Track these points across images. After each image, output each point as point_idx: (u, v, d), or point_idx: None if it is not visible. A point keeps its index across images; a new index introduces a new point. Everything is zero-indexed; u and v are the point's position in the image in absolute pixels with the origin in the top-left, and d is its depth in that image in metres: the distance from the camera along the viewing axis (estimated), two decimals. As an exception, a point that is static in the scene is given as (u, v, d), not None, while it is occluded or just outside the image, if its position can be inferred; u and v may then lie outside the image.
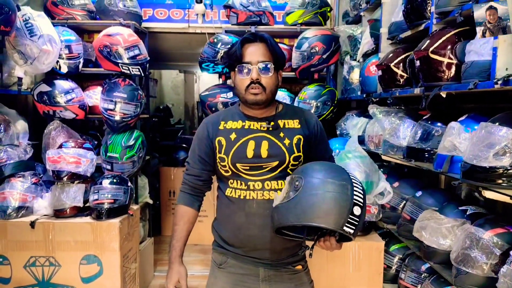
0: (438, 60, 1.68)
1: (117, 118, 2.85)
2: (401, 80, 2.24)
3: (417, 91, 1.96)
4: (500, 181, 1.36)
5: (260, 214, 1.44)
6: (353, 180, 1.25)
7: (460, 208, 1.84)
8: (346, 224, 1.19)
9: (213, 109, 3.04)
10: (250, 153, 1.45)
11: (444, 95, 1.70)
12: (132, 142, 2.94)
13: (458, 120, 1.73)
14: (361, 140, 2.67)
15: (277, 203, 1.30)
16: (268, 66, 1.43)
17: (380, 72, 2.32)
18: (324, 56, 2.97)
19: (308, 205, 1.20)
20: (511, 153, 1.33)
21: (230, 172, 1.48)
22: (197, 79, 7.72)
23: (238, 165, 1.46)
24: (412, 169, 2.57)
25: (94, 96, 3.09)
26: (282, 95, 3.27)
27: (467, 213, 1.80)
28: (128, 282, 2.74)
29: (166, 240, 4.59)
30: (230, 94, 3.04)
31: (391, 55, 2.29)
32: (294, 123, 1.51)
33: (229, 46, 3.01)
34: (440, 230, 1.80)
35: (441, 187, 2.44)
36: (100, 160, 2.92)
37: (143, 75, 3.00)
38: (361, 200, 1.23)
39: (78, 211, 2.64)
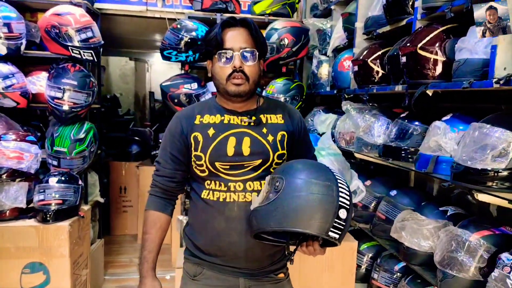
0: (426, 57, 1.62)
1: (66, 108, 2.54)
2: (377, 76, 2.18)
3: (398, 88, 1.90)
4: (492, 184, 1.33)
5: (241, 218, 1.30)
6: (338, 181, 1.15)
7: (440, 208, 1.81)
8: (331, 228, 1.09)
9: (176, 100, 2.82)
10: (230, 150, 1.30)
11: (430, 94, 1.65)
12: (82, 135, 2.64)
13: (442, 119, 1.70)
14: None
15: (255, 206, 1.17)
16: (252, 53, 1.28)
17: (356, 68, 2.25)
18: (294, 49, 2.85)
19: (290, 208, 1.08)
20: (507, 155, 1.29)
21: (207, 172, 1.32)
22: (149, 68, 7.33)
23: (217, 164, 1.30)
24: (379, 167, 2.55)
25: (38, 82, 2.74)
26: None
27: (448, 214, 1.78)
28: (79, 290, 2.47)
29: (116, 240, 4.28)
30: (195, 85, 2.83)
31: (367, 50, 2.23)
32: (277, 118, 1.38)
33: (193, 33, 2.80)
34: (421, 232, 1.76)
35: (411, 185, 2.44)
36: (44, 155, 2.59)
37: (96, 60, 2.70)
38: (347, 202, 1.13)
39: (20, 213, 2.32)
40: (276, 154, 1.33)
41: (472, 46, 1.43)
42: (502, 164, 1.30)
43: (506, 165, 1.29)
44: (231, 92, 1.28)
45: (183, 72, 3.07)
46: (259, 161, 1.31)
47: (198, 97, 2.85)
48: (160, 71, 7.04)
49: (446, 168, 1.64)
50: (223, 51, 1.27)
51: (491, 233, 1.51)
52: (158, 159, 1.40)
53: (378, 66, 2.16)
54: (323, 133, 2.68)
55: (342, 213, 1.10)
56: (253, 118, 1.33)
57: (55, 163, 2.57)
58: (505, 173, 1.31)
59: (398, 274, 2.08)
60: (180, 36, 2.79)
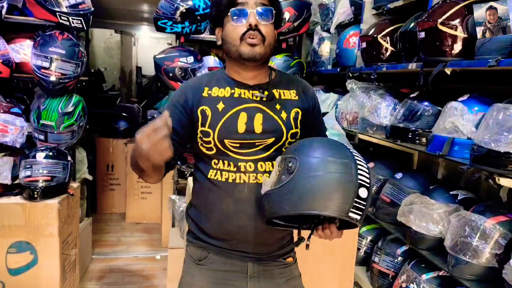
0: (447, 33, 1.53)
1: (53, 78, 2.38)
2: (386, 54, 2.09)
3: (412, 66, 1.82)
4: (517, 168, 1.27)
5: (251, 201, 1.21)
6: (356, 158, 1.06)
7: (451, 192, 1.76)
8: (352, 209, 1.00)
9: (170, 74, 2.68)
10: (241, 127, 1.19)
11: (449, 72, 1.57)
12: (71, 108, 2.49)
13: (459, 100, 1.62)
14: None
15: (266, 189, 1.08)
16: (270, 11, 1.17)
17: (363, 45, 2.15)
18: (295, 24, 2.73)
19: (306, 190, 0.99)
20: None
21: (214, 150, 1.22)
22: (136, 42, 7.05)
23: (226, 141, 1.20)
24: (378, 149, 2.49)
25: (22, 51, 2.54)
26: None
27: (458, 198, 1.73)
28: (68, 271, 2.36)
29: (103, 218, 4.16)
30: (191, 59, 2.69)
31: (377, 26, 2.12)
32: (290, 94, 1.28)
33: (190, 2, 2.64)
34: (430, 216, 1.71)
35: (414, 168, 2.39)
36: (30, 129, 2.43)
37: (85, 28, 2.52)
38: (367, 180, 1.04)
39: (5, 190, 2.17)
40: (290, 133, 1.23)
41: (499, 22, 1.34)
42: (529, 147, 1.23)
43: (534, 148, 1.23)
44: (244, 54, 1.16)
45: (176, 45, 2.91)
46: (272, 139, 1.21)
47: (194, 72, 2.71)
48: (148, 45, 6.79)
49: (461, 151, 1.58)
50: (237, 8, 1.16)
51: (507, 219, 1.46)
52: None
53: (387, 43, 2.07)
54: (325, 113, 2.59)
55: (363, 192, 1.01)
56: (266, 93, 1.22)
57: (42, 137, 2.41)
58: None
59: (400, 258, 2.05)
60: (175, 5, 2.62)
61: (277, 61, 2.78)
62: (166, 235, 3.32)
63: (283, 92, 1.27)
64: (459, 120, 1.56)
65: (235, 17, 1.16)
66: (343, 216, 0.99)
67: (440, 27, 1.54)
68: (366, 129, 2.21)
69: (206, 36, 2.95)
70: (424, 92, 1.94)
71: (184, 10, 2.63)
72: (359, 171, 1.03)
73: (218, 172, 1.22)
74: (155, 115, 4.04)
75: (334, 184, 0.99)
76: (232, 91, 1.23)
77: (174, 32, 2.71)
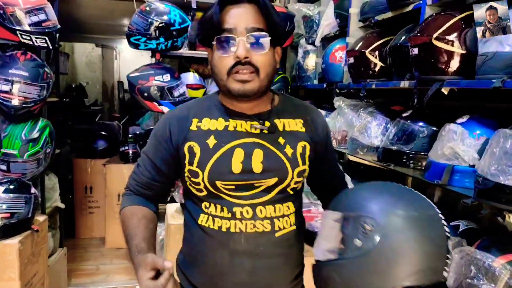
0: (443, 49, 1.37)
1: (15, 103, 2.17)
2: (375, 69, 1.93)
3: (404, 84, 1.66)
4: (531, 205, 1.10)
5: (250, 253, 1.03)
6: (428, 200, 0.92)
7: (451, 223, 1.59)
8: (445, 267, 0.86)
9: (145, 94, 2.49)
10: (237, 166, 1.01)
11: (446, 92, 1.41)
12: (36, 134, 2.28)
13: (458, 122, 1.46)
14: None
15: (328, 256, 0.87)
16: (262, 37, 0.97)
17: (351, 60, 1.99)
18: (278, 37, 2.56)
19: (398, 257, 0.81)
20: (550, 170, 1.07)
21: (205, 192, 1.04)
22: (117, 55, 6.86)
23: (218, 183, 1.02)
24: (369, 167, 2.33)
25: (-19, 72, 2.34)
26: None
27: (460, 229, 1.57)
28: (34, 315, 2.14)
29: (81, 244, 3.92)
30: (167, 77, 2.51)
31: (364, 40, 1.97)
32: (297, 124, 1.09)
33: (165, 17, 2.46)
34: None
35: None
36: (-9, 158, 2.22)
37: (51, 47, 2.32)
38: (448, 230, 0.91)
39: (-42, 230, 1.96)
40: (296, 171, 1.05)
41: (502, 37, 1.19)
42: (545, 181, 1.07)
43: (549, 183, 1.07)
44: (234, 91, 0.98)
45: (153, 61, 2.73)
46: (274, 180, 1.02)
47: (172, 91, 2.53)
48: (130, 59, 6.60)
49: (462, 179, 1.42)
50: (223, 34, 0.97)
51: (517, 257, 1.29)
52: (139, 161, 1.13)
53: (376, 58, 1.91)
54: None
55: (450, 244, 0.89)
56: (267, 124, 1.04)
57: (3, 167, 2.20)
58: (543, 191, 1.09)
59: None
60: (149, 20, 2.44)
61: (260, 77, 2.61)
62: (148, 263, 3.12)
63: (288, 123, 1.08)
64: (459, 145, 1.40)
65: (221, 47, 0.97)
66: (441, 278, 0.84)
67: (435, 42, 1.38)
68: (356, 150, 2.04)
69: (184, 52, 2.78)
70: (417, 111, 1.78)
71: (159, 25, 2.45)
72: (443, 221, 0.88)
73: (210, 218, 1.04)
74: (137, 132, 3.85)
75: (431, 247, 0.83)
76: (227, 123, 1.04)
77: (149, 49, 2.53)
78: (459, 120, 1.47)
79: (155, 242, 1.05)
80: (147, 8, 2.48)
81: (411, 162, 1.72)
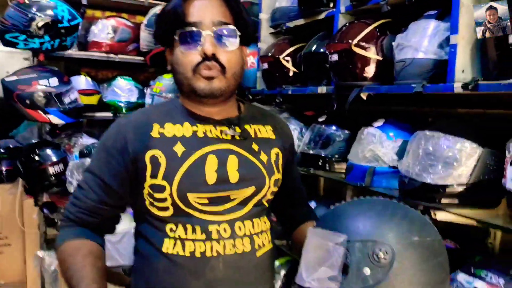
0: (362, 56, 1.42)
1: None
2: (290, 75, 1.94)
3: (322, 90, 1.68)
4: (453, 201, 1.19)
5: (229, 281, 0.88)
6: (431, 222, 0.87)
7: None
8: None
9: (28, 101, 2.11)
10: (211, 176, 0.87)
11: (365, 97, 1.46)
12: None
13: (374, 125, 1.53)
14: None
15: (330, 286, 0.76)
16: (231, 31, 0.88)
17: (265, 66, 1.97)
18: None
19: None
20: (467, 167, 1.17)
21: (170, 211, 0.87)
22: (-22, 57, 5.82)
23: (191, 196, 0.86)
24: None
25: None
26: (126, 86, 2.58)
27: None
28: None
29: None
30: (54, 81, 2.16)
31: (276, 46, 1.97)
32: (267, 131, 1.00)
33: (50, 12, 2.12)
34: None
35: (320, 193, 2.29)
36: None
37: None
38: None
39: None
40: (273, 180, 0.95)
41: (417, 45, 1.27)
42: (464, 178, 1.16)
43: (468, 179, 1.16)
44: (199, 90, 0.87)
45: (35, 63, 2.33)
46: (251, 190, 0.91)
47: (61, 97, 2.19)
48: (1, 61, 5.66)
49: (381, 180, 1.49)
50: (187, 28, 0.86)
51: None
52: (81, 182, 0.92)
53: (290, 64, 1.92)
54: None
55: None
56: (237, 129, 0.93)
57: None
58: (460, 188, 1.18)
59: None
60: (29, 15, 2.08)
61: (165, 82, 2.44)
62: (34, 301, 2.65)
63: (259, 129, 0.98)
64: (379, 148, 1.46)
65: (185, 43, 0.86)
66: None
67: (355, 49, 1.42)
68: (273, 157, 2.02)
69: (74, 52, 2.44)
70: (332, 116, 1.83)
71: (43, 22, 2.10)
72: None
73: (178, 242, 0.87)
74: (10, 145, 3.27)
75: (440, 275, 0.79)
76: (194, 128, 0.90)
77: (30, 49, 2.15)
78: (376, 124, 1.54)
79: (106, 285, 0.85)
80: (26, 1, 2.11)
81: (331, 165, 1.75)
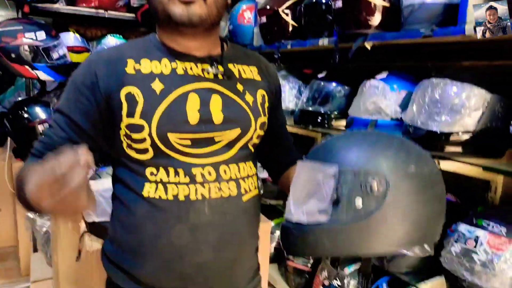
0: (368, 2, 1.35)
1: None
2: (289, 30, 1.87)
3: (323, 42, 1.62)
4: (458, 149, 1.16)
5: (215, 225, 0.84)
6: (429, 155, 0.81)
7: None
8: None
9: (13, 55, 2.01)
10: (193, 115, 0.81)
11: (369, 47, 1.41)
12: None
13: (378, 78, 1.48)
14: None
15: (319, 219, 0.71)
16: None
17: (263, 19, 1.89)
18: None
19: (405, 222, 0.70)
20: (474, 114, 1.13)
21: (151, 153, 0.82)
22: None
23: (172, 136, 0.81)
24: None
25: None
26: (115, 42, 2.48)
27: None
28: None
29: None
30: (41, 34, 2.06)
31: (275, -2, 1.89)
32: (252, 72, 0.94)
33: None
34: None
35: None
36: None
37: None
38: None
39: None
40: (259, 122, 0.89)
41: (427, -12, 1.21)
42: (471, 125, 1.13)
43: (475, 126, 1.13)
44: (176, 16, 0.78)
45: (20, 16, 2.22)
46: (237, 132, 0.86)
47: (49, 52, 2.09)
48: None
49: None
50: None
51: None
52: (51, 122, 0.85)
53: (289, 17, 1.84)
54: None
55: None
56: (220, 68, 0.86)
57: None
58: (466, 136, 1.15)
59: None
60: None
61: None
62: (26, 262, 2.63)
63: (243, 69, 0.91)
64: (382, 100, 1.42)
65: None
66: (436, 241, 0.75)
67: (361, -6, 1.36)
68: (270, 115, 1.97)
69: (61, 7, 2.32)
70: (332, 72, 1.78)
71: (27, -31, 1.98)
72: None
73: (160, 186, 0.82)
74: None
75: (437, 207, 0.73)
76: (173, 65, 0.83)
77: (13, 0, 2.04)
78: (379, 76, 1.49)
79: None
80: None
81: (330, 122, 1.72)
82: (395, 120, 1.42)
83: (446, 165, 1.18)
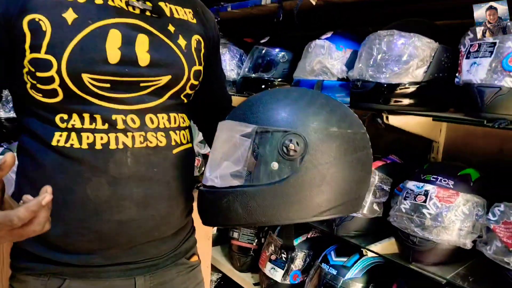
0: (312, -47, 1.28)
1: None
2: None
3: (266, 1, 1.53)
4: (410, 101, 1.13)
5: (140, 178, 0.73)
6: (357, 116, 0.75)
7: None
8: None
9: None
10: (114, 53, 0.69)
11: (314, 2, 1.34)
12: None
13: (323, 37, 1.43)
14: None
15: (233, 183, 0.64)
16: None
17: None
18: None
19: (324, 186, 0.64)
20: (422, 64, 1.10)
21: (60, 95, 0.68)
22: None
23: (86, 77, 0.67)
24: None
25: None
26: None
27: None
28: None
29: None
30: None
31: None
32: (186, 14, 0.82)
33: None
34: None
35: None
36: None
37: None
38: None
39: None
40: (193, 71, 0.79)
41: None
42: (419, 75, 1.10)
43: (423, 77, 1.10)
44: None
45: None
46: (167, 78, 0.75)
47: None
48: None
49: (328, 94, 1.38)
50: None
51: (383, 163, 1.35)
52: None
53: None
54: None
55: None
56: (148, 3, 0.74)
57: None
58: (414, 87, 1.12)
59: (264, 227, 1.82)
60: None
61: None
62: None
63: (176, 9, 0.80)
64: (328, 59, 1.36)
65: None
66: (358, 210, 0.73)
67: None
68: (211, 86, 1.85)
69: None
70: (275, 38, 1.70)
71: None
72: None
73: (73, 134, 0.69)
74: None
75: (360, 173, 0.68)
76: None
77: None
78: (324, 36, 1.43)
79: None
80: None
81: (267, 88, 1.64)
82: (342, 80, 1.37)
83: (395, 120, 1.15)
